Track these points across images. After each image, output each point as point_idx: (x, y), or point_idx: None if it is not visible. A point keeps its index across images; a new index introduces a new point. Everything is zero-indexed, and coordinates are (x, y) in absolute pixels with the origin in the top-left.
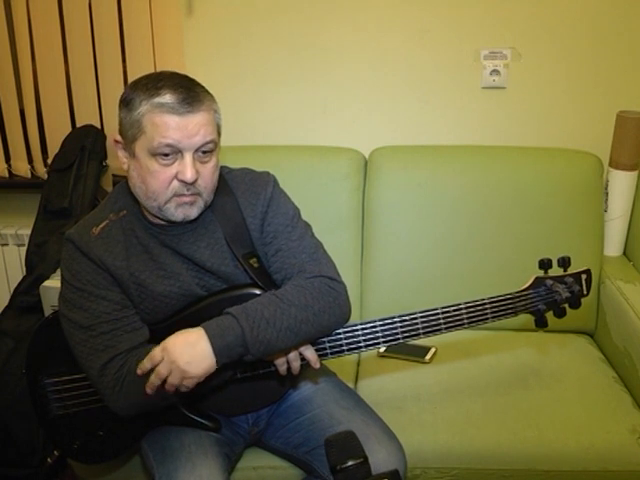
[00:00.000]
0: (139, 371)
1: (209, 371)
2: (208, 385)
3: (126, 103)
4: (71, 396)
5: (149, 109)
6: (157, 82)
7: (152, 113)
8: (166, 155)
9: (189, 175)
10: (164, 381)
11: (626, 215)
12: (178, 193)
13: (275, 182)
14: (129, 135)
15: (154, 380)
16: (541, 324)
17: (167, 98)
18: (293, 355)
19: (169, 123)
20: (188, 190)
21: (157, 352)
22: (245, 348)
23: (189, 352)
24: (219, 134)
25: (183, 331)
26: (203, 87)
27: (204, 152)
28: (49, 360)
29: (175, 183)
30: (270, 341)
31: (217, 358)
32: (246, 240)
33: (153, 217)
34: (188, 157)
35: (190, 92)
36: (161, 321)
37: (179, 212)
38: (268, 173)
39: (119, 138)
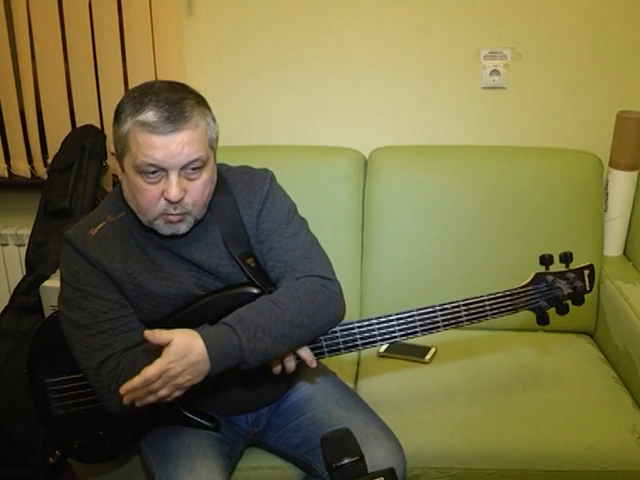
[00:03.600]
0: (122, 391)
1: (200, 381)
2: (201, 387)
3: (117, 115)
4: (72, 395)
5: (132, 127)
6: (144, 96)
7: (135, 132)
8: (153, 173)
9: (173, 195)
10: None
11: (626, 215)
12: (166, 212)
13: (272, 178)
14: (118, 150)
15: (143, 395)
16: (543, 321)
17: (149, 116)
18: (287, 356)
19: (151, 142)
20: (175, 209)
21: (152, 370)
22: (242, 359)
23: (190, 370)
24: (212, 148)
25: (181, 343)
26: (194, 98)
27: (193, 169)
28: (50, 360)
29: (162, 202)
30: (267, 350)
31: (212, 370)
32: (243, 239)
33: None
34: (173, 176)
35: (175, 109)
36: (159, 321)
37: (167, 228)
38: (266, 170)
39: (113, 150)
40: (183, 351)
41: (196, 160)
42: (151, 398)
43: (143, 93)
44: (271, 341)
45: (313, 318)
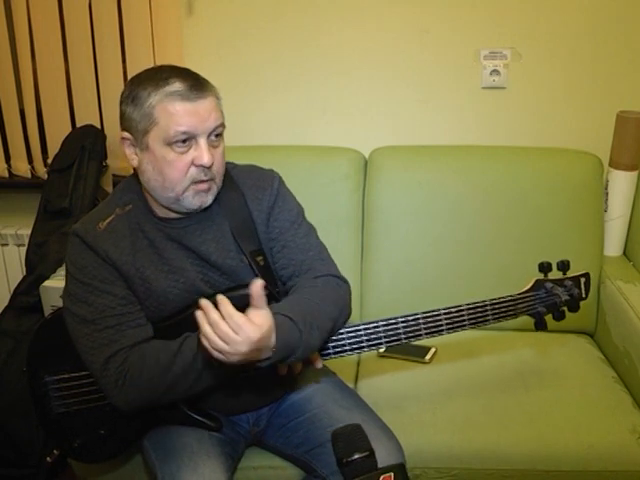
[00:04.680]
0: (202, 303)
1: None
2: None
3: (132, 99)
4: (72, 394)
5: (160, 99)
6: (162, 73)
7: (163, 102)
8: (183, 142)
9: (206, 159)
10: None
11: (626, 215)
12: (196, 180)
13: (281, 179)
14: (140, 129)
15: (212, 337)
16: (541, 327)
17: (177, 86)
18: None
19: (182, 110)
20: (206, 175)
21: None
22: (293, 352)
23: (258, 352)
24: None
25: (270, 325)
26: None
27: (216, 136)
28: (50, 359)
29: (192, 170)
30: (314, 346)
31: (271, 359)
32: (253, 236)
33: (160, 210)
34: (203, 142)
35: (196, 79)
36: (166, 319)
37: (196, 200)
38: (273, 170)
39: (126, 135)
40: (269, 332)
41: (220, 125)
42: (209, 344)
43: (157, 72)
44: (319, 336)
45: (340, 315)
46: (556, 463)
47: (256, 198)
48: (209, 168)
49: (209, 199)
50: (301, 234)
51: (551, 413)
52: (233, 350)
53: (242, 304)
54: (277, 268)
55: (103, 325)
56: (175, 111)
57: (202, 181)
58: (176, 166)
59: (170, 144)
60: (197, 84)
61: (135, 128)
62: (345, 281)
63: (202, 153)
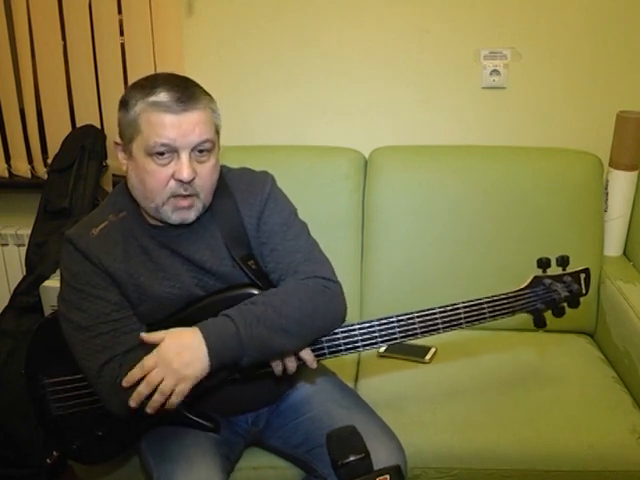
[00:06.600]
0: (125, 383)
1: (204, 372)
2: (204, 387)
3: (124, 104)
4: (71, 396)
5: (144, 108)
6: (153, 82)
7: (147, 112)
8: (162, 154)
9: (185, 174)
10: (153, 391)
11: (626, 215)
12: (175, 194)
13: (273, 181)
14: (127, 135)
15: (143, 390)
16: (540, 324)
17: (162, 97)
18: (288, 357)
19: (164, 122)
20: (185, 190)
21: (150, 358)
22: (240, 345)
23: (185, 353)
24: (218, 134)
25: (176, 332)
26: (201, 87)
27: (201, 151)
28: (49, 360)
29: (172, 183)
30: (264, 339)
31: (211, 358)
32: (244, 242)
33: (152, 218)
34: (184, 156)
35: (186, 91)
36: (160, 321)
37: (176, 216)
38: (266, 172)
39: (119, 140)
40: (177, 336)
41: (206, 141)
42: (158, 396)
43: (151, 80)
44: (267, 331)
45: (313, 317)
46: (556, 463)
47: (247, 203)
48: (189, 183)
49: (191, 216)
50: (290, 236)
51: (551, 413)
52: (170, 369)
53: (230, 306)
54: (267, 272)
55: (97, 332)
56: (156, 122)
57: (182, 196)
58: (156, 177)
59: (150, 155)
60: (185, 97)
61: (123, 134)
62: (333, 280)
63: (182, 168)
